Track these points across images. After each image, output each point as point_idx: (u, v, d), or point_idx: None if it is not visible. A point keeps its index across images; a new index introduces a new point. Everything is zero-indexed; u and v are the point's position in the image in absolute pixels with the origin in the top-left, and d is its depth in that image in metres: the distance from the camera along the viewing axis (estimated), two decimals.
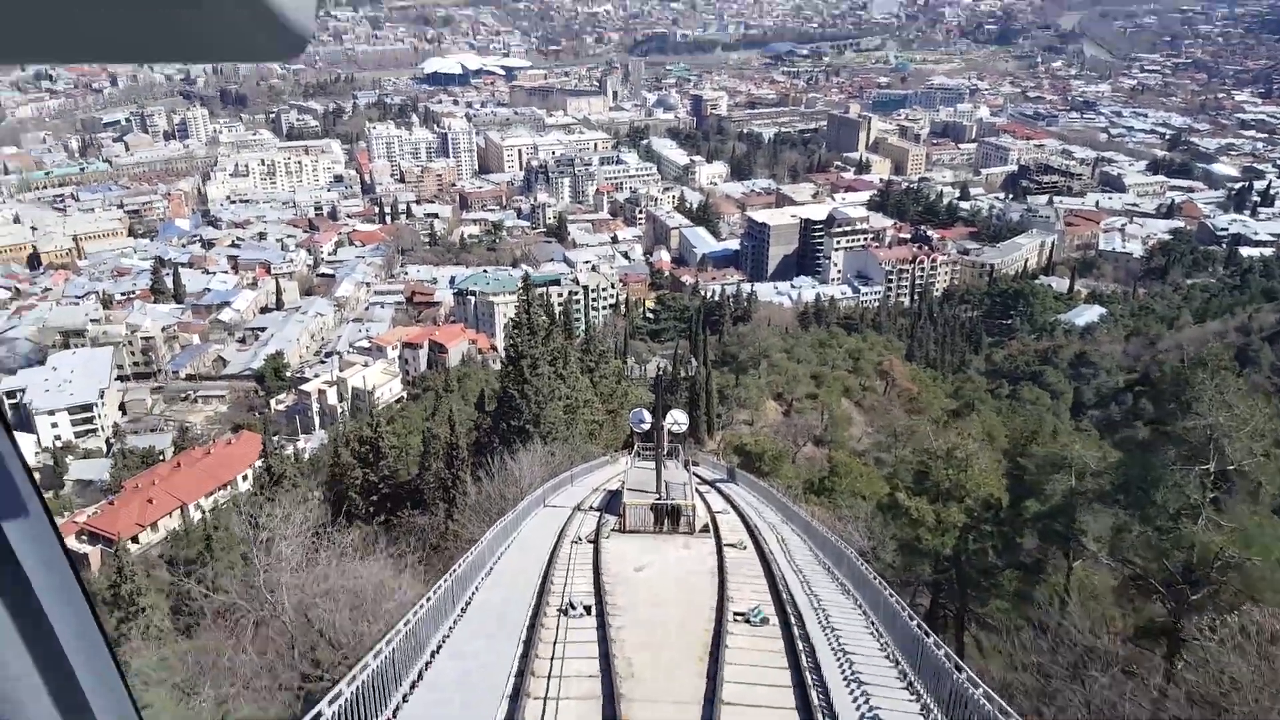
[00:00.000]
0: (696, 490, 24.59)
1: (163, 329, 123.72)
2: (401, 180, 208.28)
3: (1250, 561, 22.84)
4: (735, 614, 14.77)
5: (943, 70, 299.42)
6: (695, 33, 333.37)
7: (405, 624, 11.08)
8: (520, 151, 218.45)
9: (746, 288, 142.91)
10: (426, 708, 10.88)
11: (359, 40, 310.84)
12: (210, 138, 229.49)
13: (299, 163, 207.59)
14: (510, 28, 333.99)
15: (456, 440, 42.99)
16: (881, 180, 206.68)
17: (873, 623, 14.56)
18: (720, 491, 31.09)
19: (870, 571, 15.57)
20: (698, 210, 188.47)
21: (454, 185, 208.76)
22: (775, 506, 28.30)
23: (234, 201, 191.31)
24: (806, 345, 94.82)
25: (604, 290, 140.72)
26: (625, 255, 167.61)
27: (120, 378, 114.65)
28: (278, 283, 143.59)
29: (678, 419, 25.83)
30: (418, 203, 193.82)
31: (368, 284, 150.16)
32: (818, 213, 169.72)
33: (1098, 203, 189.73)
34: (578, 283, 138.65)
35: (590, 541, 20.13)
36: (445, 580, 13.47)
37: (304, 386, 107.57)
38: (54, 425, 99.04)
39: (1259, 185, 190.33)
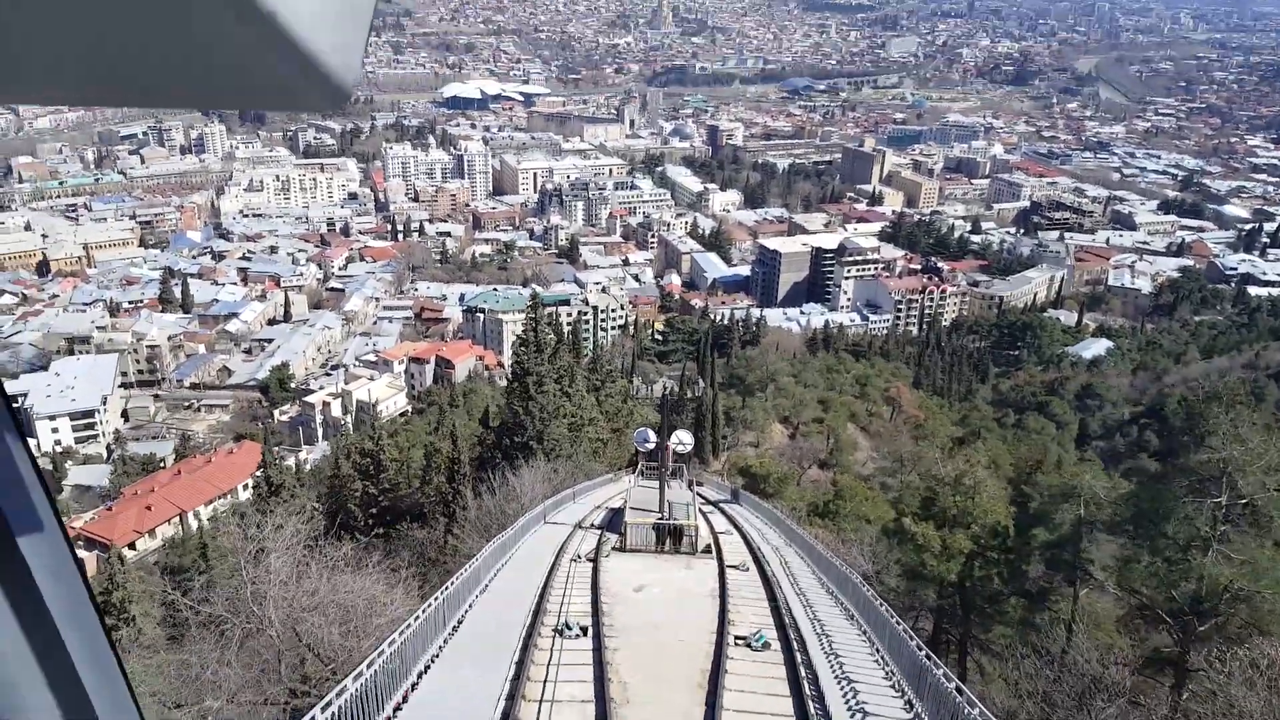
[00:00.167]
0: (700, 510, 24.22)
1: (169, 338, 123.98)
2: (415, 199, 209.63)
3: (1260, 594, 22.67)
4: (736, 637, 14.29)
5: (958, 108, 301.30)
6: (714, 66, 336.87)
7: (390, 644, 10.53)
8: (535, 175, 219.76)
9: (756, 313, 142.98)
10: None
11: (380, 64, 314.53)
12: (226, 153, 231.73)
13: (314, 179, 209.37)
14: (531, 56, 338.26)
15: (459, 455, 42.69)
16: (894, 212, 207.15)
17: (878, 649, 14.00)
18: (724, 512, 30.70)
19: (875, 596, 15.06)
20: (710, 236, 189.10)
21: (468, 205, 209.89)
22: (779, 528, 27.86)
23: (246, 215, 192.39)
24: (814, 370, 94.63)
25: (613, 311, 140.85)
26: (636, 278, 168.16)
27: (124, 385, 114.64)
28: (286, 295, 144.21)
29: (683, 439, 25.65)
30: (430, 221, 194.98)
31: (377, 299, 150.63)
32: (829, 242, 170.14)
33: (1108, 240, 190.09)
34: (587, 303, 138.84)
35: (590, 560, 19.71)
36: (436, 598, 12.97)
37: (308, 398, 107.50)
38: (54, 430, 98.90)
39: (1269, 226, 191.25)
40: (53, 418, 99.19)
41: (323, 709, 8.44)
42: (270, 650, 18.79)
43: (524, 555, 20.23)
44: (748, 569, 20.31)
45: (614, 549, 20.88)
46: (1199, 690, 20.60)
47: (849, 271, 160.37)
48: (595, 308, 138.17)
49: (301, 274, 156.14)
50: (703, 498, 31.33)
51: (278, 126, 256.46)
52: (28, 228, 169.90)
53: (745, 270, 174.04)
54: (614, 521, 23.92)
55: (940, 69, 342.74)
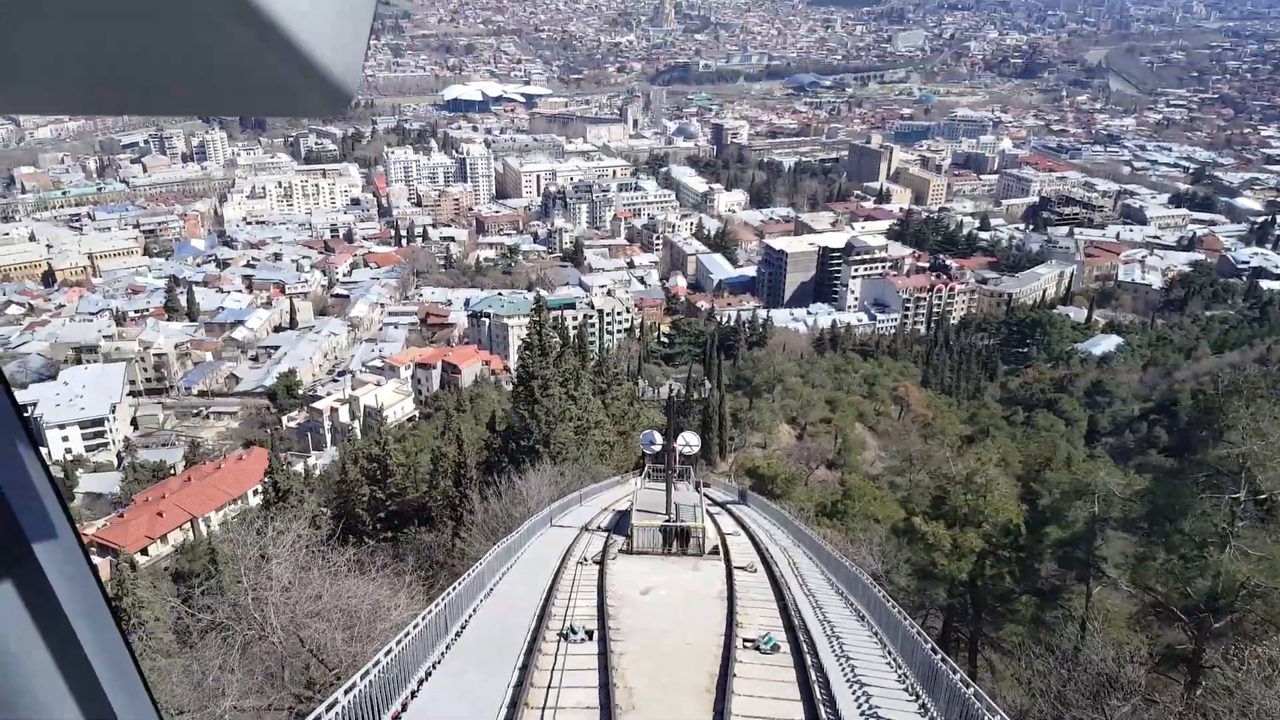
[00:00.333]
0: (707, 512, 23.98)
1: (175, 346, 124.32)
2: (418, 204, 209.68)
3: (1277, 591, 22.47)
4: (745, 640, 14.03)
5: (966, 103, 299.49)
6: (718, 63, 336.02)
7: (386, 654, 10.24)
8: (539, 177, 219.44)
9: (762, 314, 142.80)
10: None
11: (380, 67, 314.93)
12: (228, 160, 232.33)
13: (316, 185, 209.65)
14: (532, 56, 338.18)
15: (465, 459, 42.64)
16: (901, 210, 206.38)
17: (889, 651, 13.67)
18: (731, 513, 30.48)
19: (886, 597, 14.71)
20: (715, 237, 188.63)
21: (471, 210, 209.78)
22: (787, 529, 27.58)
23: (250, 222, 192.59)
24: (821, 370, 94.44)
25: (619, 314, 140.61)
26: (641, 280, 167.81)
27: (132, 393, 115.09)
28: (292, 302, 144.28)
29: (689, 440, 25.58)
30: (434, 226, 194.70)
31: (382, 305, 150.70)
32: (836, 241, 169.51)
33: (1118, 235, 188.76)
34: (593, 307, 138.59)
35: (596, 562, 19.51)
36: (438, 604, 12.74)
37: (316, 404, 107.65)
38: (65, 439, 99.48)
39: None
40: (63, 426, 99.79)
41: None
42: (273, 657, 18.61)
43: (530, 558, 20.05)
44: (755, 570, 20.08)
45: (621, 551, 20.70)
46: (1214, 687, 20.41)
47: (856, 271, 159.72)
48: (601, 311, 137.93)
49: (306, 280, 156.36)
50: (710, 499, 31.11)
51: (279, 133, 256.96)
52: (32, 238, 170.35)
53: (751, 271, 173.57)
54: (621, 524, 23.74)
55: (947, 62, 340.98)
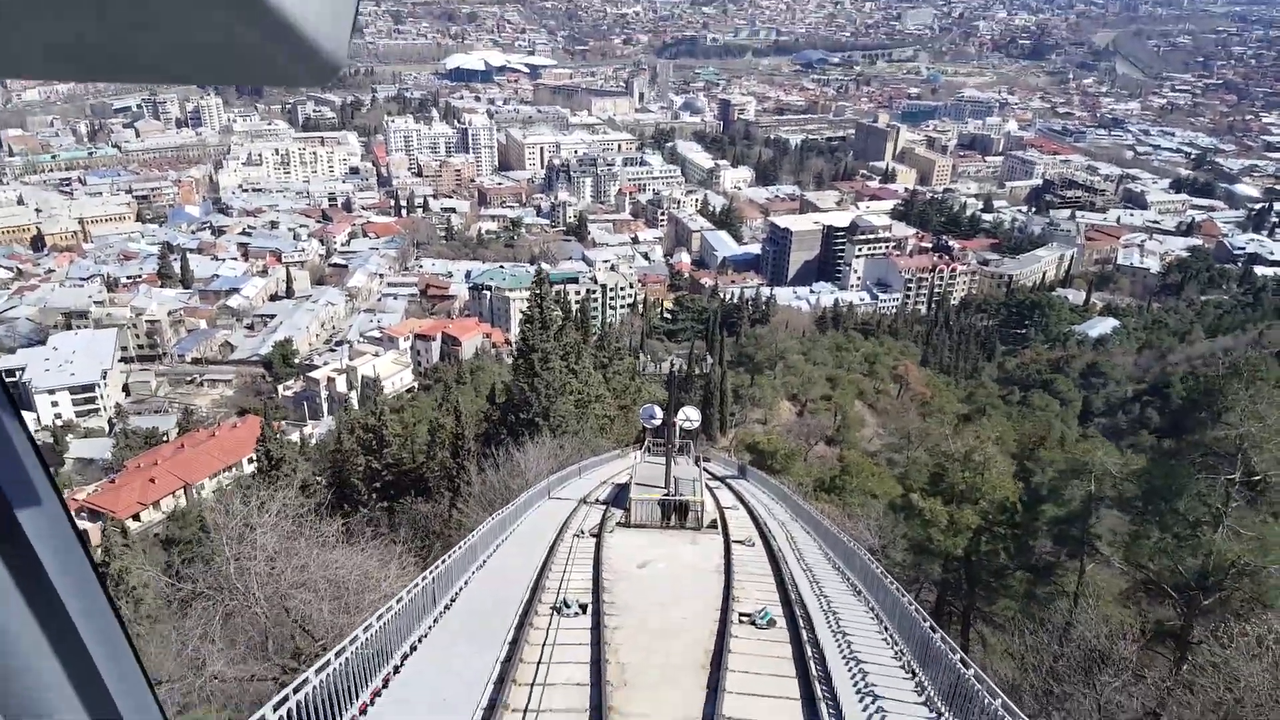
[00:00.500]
0: (706, 486, 23.92)
1: (169, 313, 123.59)
2: (419, 174, 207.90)
3: (1265, 569, 22.77)
4: (741, 615, 13.90)
5: (974, 83, 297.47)
6: (726, 37, 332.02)
7: (366, 628, 9.77)
8: (542, 149, 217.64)
9: (765, 291, 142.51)
10: None
11: (381, 34, 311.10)
12: (224, 126, 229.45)
13: (314, 153, 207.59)
14: (536, 26, 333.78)
15: (463, 430, 42.64)
16: (906, 190, 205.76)
17: (886, 628, 13.55)
18: (731, 488, 30.55)
19: (884, 573, 14.58)
20: (720, 214, 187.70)
21: (473, 181, 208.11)
22: (785, 504, 27.60)
23: (246, 190, 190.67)
24: (823, 348, 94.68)
25: (622, 289, 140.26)
26: (645, 256, 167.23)
27: (124, 359, 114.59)
28: (288, 271, 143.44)
29: (690, 415, 25.50)
30: (435, 197, 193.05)
31: (381, 275, 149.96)
32: (841, 220, 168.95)
33: (1119, 219, 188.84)
34: (596, 281, 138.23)
35: (593, 535, 19.45)
36: (425, 576, 12.39)
37: (313, 374, 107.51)
38: (54, 404, 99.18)
39: (1279, 206, 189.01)
40: (52, 391, 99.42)
41: (275, 708, 7.72)
42: (256, 627, 18.44)
43: (526, 531, 19.97)
44: (754, 545, 20.04)
45: (618, 524, 20.64)
46: (1201, 663, 20.67)
47: (860, 250, 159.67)
48: (604, 286, 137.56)
49: (303, 249, 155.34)
50: (709, 473, 31.11)
51: (276, 99, 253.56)
52: (20, 202, 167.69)
53: (756, 249, 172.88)
54: (619, 497, 23.72)
55: (956, 42, 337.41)
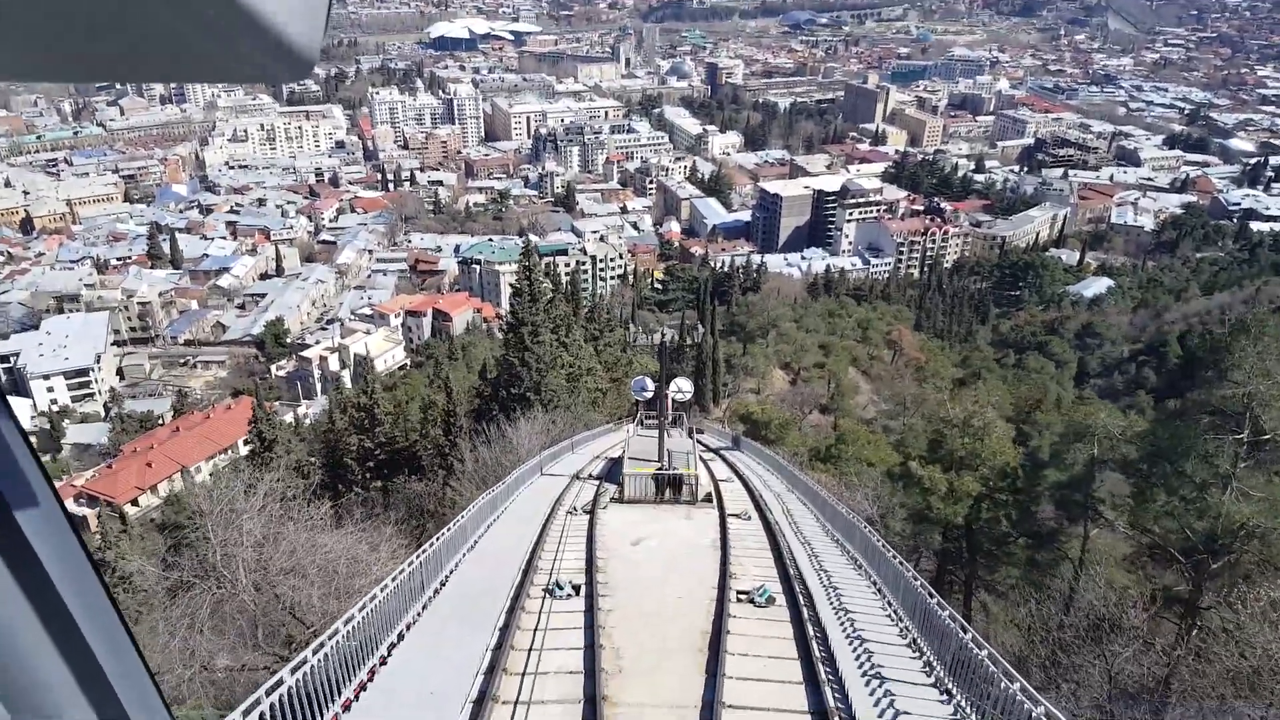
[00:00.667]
0: (700, 458, 23.49)
1: (160, 294, 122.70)
2: (405, 147, 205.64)
3: (1276, 531, 22.29)
4: (739, 593, 13.40)
5: (964, 41, 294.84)
6: None
7: (347, 621, 9.31)
8: (528, 119, 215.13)
9: (756, 259, 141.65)
10: (371, 718, 9.20)
11: (363, 3, 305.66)
12: (208, 102, 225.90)
13: (299, 128, 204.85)
14: None
15: (454, 407, 42.18)
16: (897, 152, 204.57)
17: (889, 603, 13.05)
18: (725, 459, 30.18)
19: (886, 546, 14.10)
20: (710, 181, 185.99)
21: (459, 153, 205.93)
22: (781, 474, 27.22)
23: (233, 167, 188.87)
24: (815, 315, 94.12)
25: (612, 261, 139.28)
26: (635, 226, 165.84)
27: (117, 343, 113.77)
28: (277, 249, 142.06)
29: (682, 387, 25.04)
30: (421, 170, 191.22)
31: (370, 251, 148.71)
32: (831, 184, 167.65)
33: (1112, 176, 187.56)
34: (585, 253, 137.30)
35: (586, 512, 19.00)
36: (413, 560, 11.93)
37: (305, 353, 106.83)
38: (50, 390, 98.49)
39: (1274, 161, 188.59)
40: (47, 377, 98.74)
41: (244, 714, 7.31)
42: (244, 615, 18.03)
43: (517, 509, 19.60)
44: (750, 517, 19.65)
45: (612, 500, 20.30)
46: (1213, 629, 20.28)
47: (851, 214, 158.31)
48: (594, 257, 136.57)
49: (291, 226, 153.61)
50: (703, 445, 30.69)
51: None
52: (7, 184, 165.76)
53: (746, 215, 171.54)
54: (613, 472, 23.34)
55: None
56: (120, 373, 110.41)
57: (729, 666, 10.51)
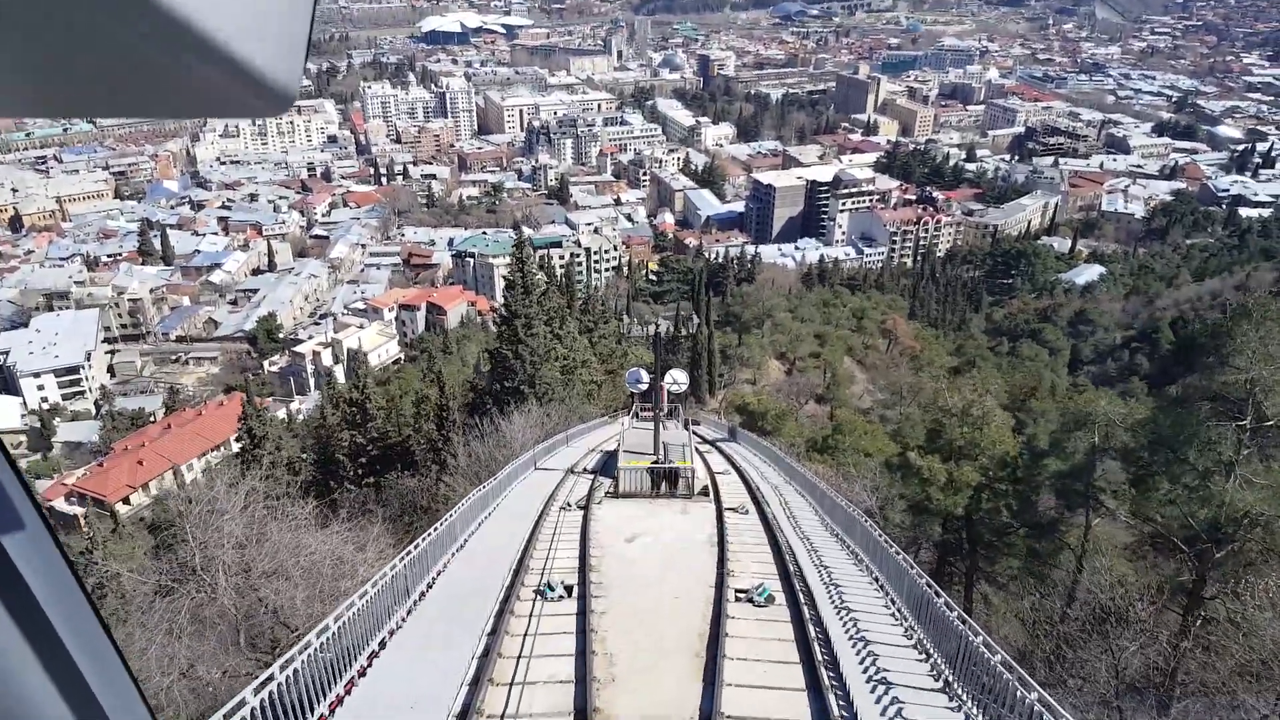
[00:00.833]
0: (696, 450, 23.16)
1: (151, 291, 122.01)
2: (398, 141, 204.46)
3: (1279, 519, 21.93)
4: (737, 591, 12.98)
5: (953, 32, 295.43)
6: None
7: (320, 633, 8.81)
8: (521, 112, 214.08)
9: (750, 250, 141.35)
10: None
11: None
12: None
13: (291, 123, 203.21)
14: None
15: (447, 401, 41.80)
16: (889, 142, 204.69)
17: (892, 601, 12.65)
18: (721, 451, 29.92)
19: (889, 541, 13.71)
20: (703, 172, 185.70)
21: (452, 146, 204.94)
22: (778, 466, 26.93)
23: (224, 163, 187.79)
24: (810, 305, 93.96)
25: (606, 253, 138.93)
26: (628, 218, 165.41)
27: (108, 340, 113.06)
28: (269, 244, 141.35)
29: (677, 378, 24.69)
30: (414, 164, 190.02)
31: (363, 246, 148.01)
32: (824, 174, 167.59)
33: (1102, 164, 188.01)
34: (579, 245, 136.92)
35: (580, 508, 18.69)
36: (399, 561, 11.49)
37: (298, 348, 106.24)
38: (40, 388, 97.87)
39: (1261, 147, 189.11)
40: (37, 375, 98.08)
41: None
42: (225, 620, 17.56)
43: (510, 505, 19.26)
44: (747, 512, 19.33)
45: (607, 494, 19.98)
46: (1218, 619, 19.92)
47: (844, 204, 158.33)
48: (588, 249, 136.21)
49: (284, 222, 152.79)
50: (699, 437, 30.41)
51: None
52: None
53: (739, 206, 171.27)
54: (608, 465, 23.03)
55: None
56: (111, 370, 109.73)
57: (727, 672, 10.07)
